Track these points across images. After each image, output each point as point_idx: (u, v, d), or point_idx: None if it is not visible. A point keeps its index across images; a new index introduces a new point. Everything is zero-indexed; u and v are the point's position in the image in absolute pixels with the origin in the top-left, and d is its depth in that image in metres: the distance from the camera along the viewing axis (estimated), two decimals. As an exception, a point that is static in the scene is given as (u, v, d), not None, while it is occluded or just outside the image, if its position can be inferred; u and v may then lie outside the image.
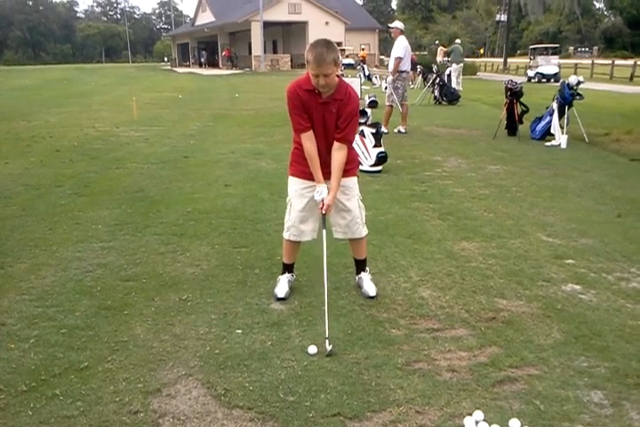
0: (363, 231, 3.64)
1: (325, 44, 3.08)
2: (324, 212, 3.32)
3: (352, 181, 3.53)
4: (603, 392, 2.63)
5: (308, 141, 3.29)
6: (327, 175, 3.34)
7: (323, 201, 3.30)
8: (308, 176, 3.40)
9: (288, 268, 3.74)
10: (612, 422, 2.42)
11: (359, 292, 3.68)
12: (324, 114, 3.26)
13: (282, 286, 3.64)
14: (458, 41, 21.16)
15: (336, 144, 3.31)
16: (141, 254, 4.36)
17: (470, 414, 2.42)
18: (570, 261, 4.27)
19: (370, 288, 3.63)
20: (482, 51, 67.50)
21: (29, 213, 5.44)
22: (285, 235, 3.61)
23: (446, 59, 20.35)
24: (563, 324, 3.28)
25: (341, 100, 3.22)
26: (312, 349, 2.95)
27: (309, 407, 2.51)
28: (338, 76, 3.23)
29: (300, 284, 3.80)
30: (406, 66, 10.11)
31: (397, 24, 10.47)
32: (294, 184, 3.51)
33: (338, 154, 3.30)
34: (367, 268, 3.78)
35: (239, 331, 3.18)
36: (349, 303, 3.52)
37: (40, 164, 7.88)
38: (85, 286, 3.78)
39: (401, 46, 9.91)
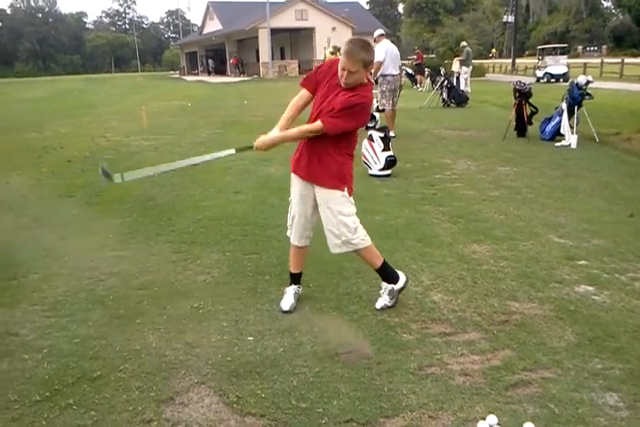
0: (336, 248, 3.40)
1: (361, 43, 3.10)
2: (256, 146, 3.41)
3: (335, 195, 3.32)
4: (618, 394, 2.60)
5: (298, 97, 3.38)
6: (308, 176, 3.38)
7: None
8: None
9: (294, 278, 3.67)
10: (628, 424, 2.40)
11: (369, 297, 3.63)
12: (331, 94, 3.18)
13: (287, 298, 3.57)
14: (464, 43, 21.07)
15: (315, 123, 3.19)
16: (153, 263, 4.38)
17: (484, 419, 2.40)
18: (582, 262, 4.24)
19: (379, 300, 3.52)
20: (494, 50, 67.42)
21: (41, 224, 5.48)
22: (288, 232, 3.61)
23: (464, 68, 20.05)
24: (576, 326, 3.25)
25: (354, 93, 3.13)
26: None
27: (322, 414, 2.51)
28: (368, 83, 3.20)
29: (310, 289, 3.80)
30: (390, 69, 10.10)
31: (376, 32, 10.60)
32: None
33: (311, 126, 3.21)
34: (389, 280, 3.55)
35: (251, 338, 3.19)
36: (361, 308, 3.51)
37: (51, 174, 7.94)
38: (98, 295, 3.81)
39: (381, 50, 9.96)
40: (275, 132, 3.35)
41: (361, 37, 3.19)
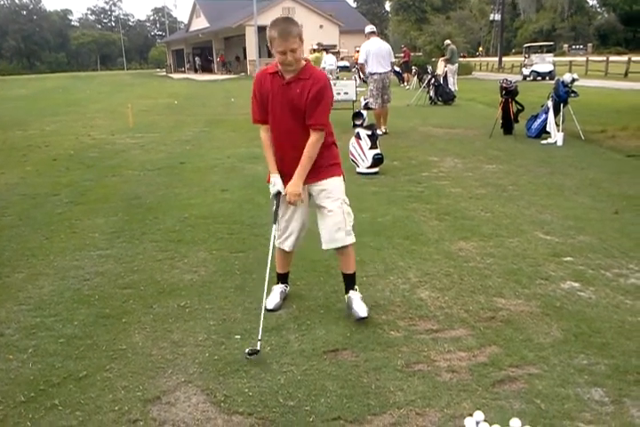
0: (347, 239, 3.29)
1: (287, 20, 3.03)
2: (290, 203, 3.21)
3: (335, 182, 3.28)
4: (603, 390, 2.62)
5: (264, 133, 3.28)
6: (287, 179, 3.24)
7: (281, 193, 3.21)
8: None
9: (281, 278, 3.64)
10: (612, 419, 2.41)
11: (347, 313, 3.38)
12: (288, 97, 3.08)
13: (273, 296, 3.54)
14: (448, 41, 21.10)
15: (312, 135, 3.14)
16: (139, 262, 4.35)
17: (471, 415, 2.41)
18: (568, 258, 4.27)
19: (360, 309, 3.30)
20: (481, 49, 67.73)
21: (26, 223, 5.43)
22: (277, 241, 3.45)
23: (449, 66, 19.98)
24: (562, 322, 3.28)
25: (306, 80, 3.07)
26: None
27: (309, 412, 2.51)
28: (306, 60, 3.13)
29: (298, 288, 3.79)
30: (374, 68, 10.13)
31: (366, 28, 10.60)
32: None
33: (312, 140, 3.14)
34: (356, 286, 3.47)
35: (238, 336, 3.18)
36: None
37: (36, 173, 7.87)
38: (83, 294, 3.78)
39: (362, 51, 10.08)
40: (278, 181, 3.26)
41: (276, 17, 3.08)
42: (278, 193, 3.25)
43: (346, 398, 2.59)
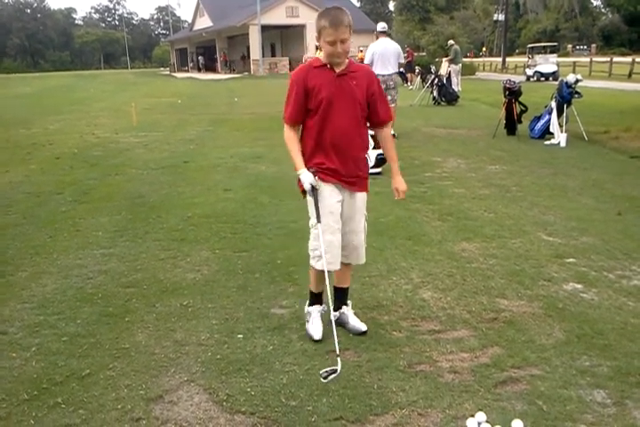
0: (364, 256, 3.21)
1: (338, 8, 2.79)
2: (399, 197, 3.09)
3: (365, 198, 3.12)
4: (605, 391, 2.62)
5: (292, 131, 2.99)
6: (352, 182, 3.00)
7: (316, 188, 2.90)
8: (332, 177, 2.96)
9: (318, 298, 3.23)
10: (614, 421, 2.42)
11: (345, 329, 3.20)
12: (345, 90, 2.87)
13: (316, 324, 3.15)
14: (451, 42, 21.07)
15: (384, 129, 3.06)
16: (142, 260, 4.36)
17: (473, 416, 2.41)
18: (571, 259, 4.26)
19: (359, 323, 3.20)
20: (484, 49, 67.63)
21: (30, 221, 5.45)
22: (317, 264, 3.02)
23: (453, 67, 19.92)
24: (564, 323, 3.28)
25: (357, 72, 2.91)
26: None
27: (311, 412, 2.51)
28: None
29: (300, 287, 3.79)
30: (378, 69, 10.00)
31: (378, 26, 10.50)
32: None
33: (386, 134, 3.08)
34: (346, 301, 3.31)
35: (240, 336, 3.18)
36: (351, 306, 3.51)
37: (40, 171, 7.89)
38: (86, 293, 3.79)
39: (368, 53, 9.91)
40: (309, 174, 2.90)
41: (326, 7, 2.90)
42: (313, 188, 2.91)
43: (348, 399, 2.60)
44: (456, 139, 10.32)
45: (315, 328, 3.14)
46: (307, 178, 2.89)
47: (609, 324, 3.26)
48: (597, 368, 2.81)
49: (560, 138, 9.37)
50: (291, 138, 2.99)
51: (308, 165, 2.94)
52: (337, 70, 2.87)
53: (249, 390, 2.68)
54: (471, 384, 2.69)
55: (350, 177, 3.00)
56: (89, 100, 21.57)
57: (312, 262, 3.06)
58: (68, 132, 11.95)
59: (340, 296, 3.25)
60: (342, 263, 3.09)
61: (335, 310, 3.10)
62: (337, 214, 2.99)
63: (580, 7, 67.17)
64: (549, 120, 9.74)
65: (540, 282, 3.86)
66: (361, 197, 3.08)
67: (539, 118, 10.13)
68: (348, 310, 3.27)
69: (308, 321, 3.21)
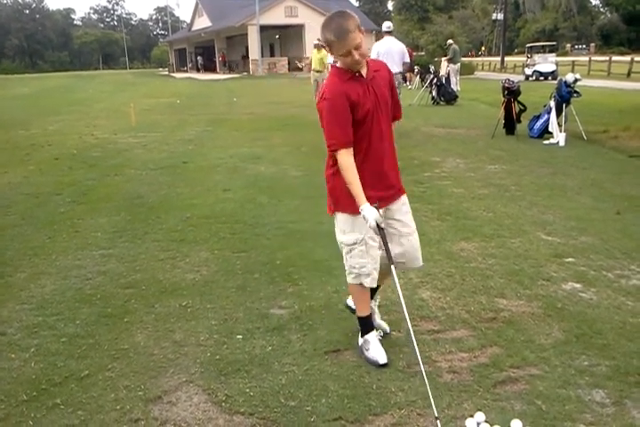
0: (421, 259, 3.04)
1: (340, 15, 2.59)
2: None
3: (405, 198, 3.00)
4: (604, 391, 2.62)
5: (348, 157, 2.67)
6: (392, 193, 2.86)
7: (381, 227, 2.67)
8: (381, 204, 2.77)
9: (370, 322, 3.05)
10: (613, 420, 2.42)
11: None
12: (379, 93, 2.73)
13: (379, 349, 2.93)
14: (450, 41, 21.07)
15: (391, 126, 2.89)
16: (141, 261, 4.36)
17: (472, 416, 2.41)
18: (570, 259, 4.27)
19: (383, 323, 3.20)
20: (483, 48, 67.66)
21: (29, 222, 5.44)
22: (367, 281, 2.87)
23: (451, 66, 19.89)
24: (563, 323, 3.28)
25: (379, 70, 2.78)
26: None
27: (310, 412, 2.51)
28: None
29: (300, 287, 3.80)
30: None
31: (383, 26, 10.50)
32: (359, 223, 2.74)
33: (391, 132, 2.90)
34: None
35: (239, 336, 3.18)
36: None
37: (39, 172, 7.89)
38: (85, 294, 3.79)
39: (373, 52, 9.91)
40: (373, 209, 2.63)
41: (327, 16, 2.67)
42: (379, 226, 2.65)
43: (347, 399, 2.60)
44: (455, 138, 10.32)
45: (377, 352, 2.91)
46: (371, 214, 2.61)
47: (608, 323, 3.26)
48: (596, 368, 2.81)
49: (559, 137, 9.37)
50: (350, 166, 2.65)
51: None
52: (365, 75, 2.72)
53: (248, 390, 2.68)
54: (470, 384, 2.69)
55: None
56: (88, 101, 21.55)
57: (358, 281, 2.87)
58: (67, 133, 11.95)
59: (375, 290, 3.11)
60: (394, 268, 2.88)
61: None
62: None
63: (579, 6, 67.18)
64: (548, 119, 9.74)
65: (539, 282, 3.87)
66: (404, 198, 2.98)
67: (538, 118, 10.12)
68: (374, 305, 3.18)
69: (367, 349, 2.94)
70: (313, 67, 15.33)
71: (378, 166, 2.79)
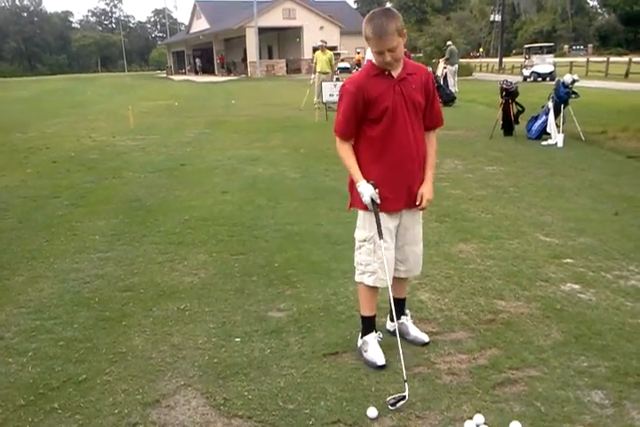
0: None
1: (384, 13, 2.57)
2: (424, 206, 2.84)
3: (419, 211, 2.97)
4: (603, 392, 2.61)
5: (347, 144, 2.80)
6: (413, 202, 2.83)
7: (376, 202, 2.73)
8: (393, 205, 2.80)
9: (372, 323, 3.03)
10: (613, 422, 2.41)
11: (406, 340, 3.08)
12: (408, 95, 2.70)
13: (377, 350, 2.92)
14: (449, 42, 21.11)
15: (433, 134, 2.89)
16: (139, 264, 4.35)
17: (471, 418, 2.41)
18: (568, 260, 4.26)
19: (420, 333, 3.12)
20: (481, 49, 67.80)
21: (26, 225, 5.43)
22: (369, 280, 2.90)
23: (449, 67, 19.87)
24: (562, 324, 3.27)
25: (415, 74, 2.74)
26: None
27: (309, 415, 2.50)
28: (405, 53, 2.82)
29: (298, 290, 3.79)
30: None
31: None
32: (371, 220, 2.80)
33: (434, 140, 2.90)
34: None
35: (238, 339, 3.17)
36: (348, 309, 3.50)
37: (37, 175, 7.88)
38: (83, 297, 3.77)
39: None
40: (369, 186, 2.71)
41: (374, 10, 2.66)
42: (373, 201, 2.72)
43: (346, 402, 2.59)
44: (453, 140, 10.32)
45: (375, 353, 2.91)
46: (366, 190, 2.69)
47: (607, 324, 3.25)
48: (595, 369, 2.80)
49: (557, 138, 9.38)
50: (345, 149, 2.80)
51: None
52: (395, 75, 2.69)
53: (246, 393, 2.67)
54: (469, 386, 2.68)
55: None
56: (86, 104, 21.56)
57: (361, 278, 2.91)
58: (65, 136, 11.94)
59: (398, 307, 3.03)
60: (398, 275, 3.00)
61: (394, 319, 2.93)
62: (393, 231, 2.85)
63: (575, 8, 67.33)
64: (546, 120, 9.74)
65: (538, 283, 3.86)
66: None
67: (536, 119, 10.13)
68: (407, 320, 3.17)
69: (365, 351, 2.93)
70: (319, 69, 15.10)
71: (395, 162, 2.76)
